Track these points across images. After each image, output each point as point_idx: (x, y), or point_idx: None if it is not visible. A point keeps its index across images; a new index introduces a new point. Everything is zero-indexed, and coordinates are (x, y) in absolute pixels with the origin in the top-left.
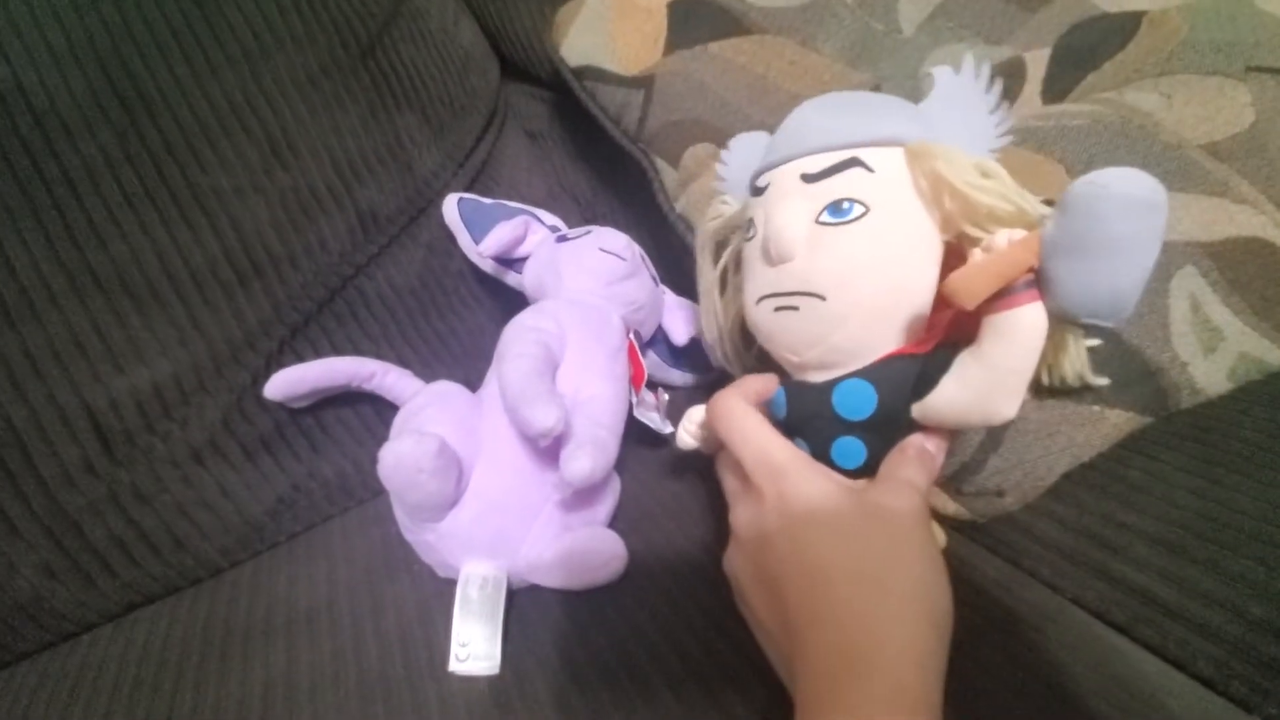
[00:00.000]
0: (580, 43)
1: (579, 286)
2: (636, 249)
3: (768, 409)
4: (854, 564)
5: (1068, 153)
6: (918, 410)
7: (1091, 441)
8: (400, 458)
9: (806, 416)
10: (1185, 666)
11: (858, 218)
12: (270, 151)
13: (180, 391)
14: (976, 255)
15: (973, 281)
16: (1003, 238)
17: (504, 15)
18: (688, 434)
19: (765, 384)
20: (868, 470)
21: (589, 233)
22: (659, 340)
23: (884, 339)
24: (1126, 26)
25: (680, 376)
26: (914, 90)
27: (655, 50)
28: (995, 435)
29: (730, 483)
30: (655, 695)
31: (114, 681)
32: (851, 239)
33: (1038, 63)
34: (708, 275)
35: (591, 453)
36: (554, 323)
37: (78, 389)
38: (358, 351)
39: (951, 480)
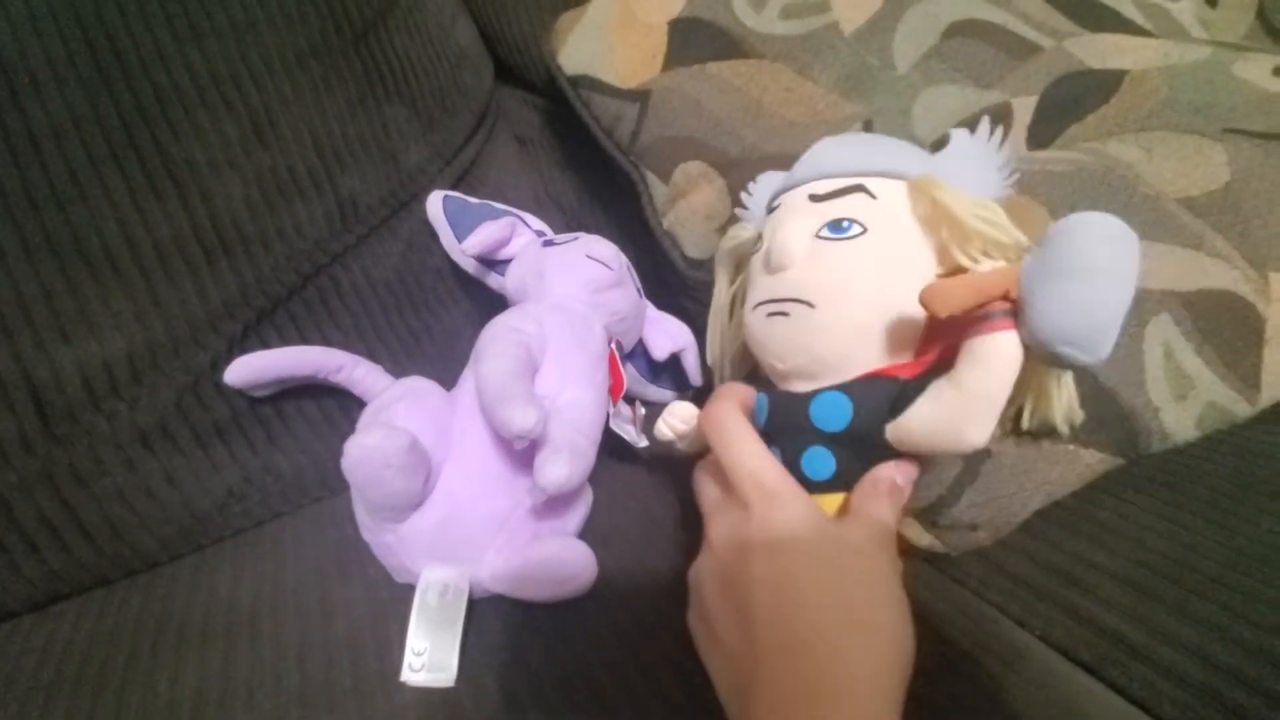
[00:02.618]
0: (578, 51)
1: (563, 292)
2: (624, 259)
3: (753, 412)
4: (830, 594)
5: (1052, 196)
6: (891, 430)
7: (1065, 480)
8: (368, 451)
9: (783, 424)
10: (1150, 709)
11: (855, 236)
12: (250, 128)
13: (131, 369)
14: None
15: (947, 291)
16: (986, 265)
17: (502, 18)
18: (669, 428)
19: (748, 392)
20: (835, 484)
21: (576, 239)
22: (638, 354)
23: (867, 355)
24: (1109, 83)
25: (657, 392)
26: (906, 124)
27: (653, 65)
28: (972, 469)
29: (711, 491)
30: (618, 715)
31: (31, 677)
32: (846, 254)
33: (1024, 109)
34: (722, 294)
35: (569, 459)
36: (536, 325)
37: (19, 357)
38: (326, 342)
39: (926, 512)
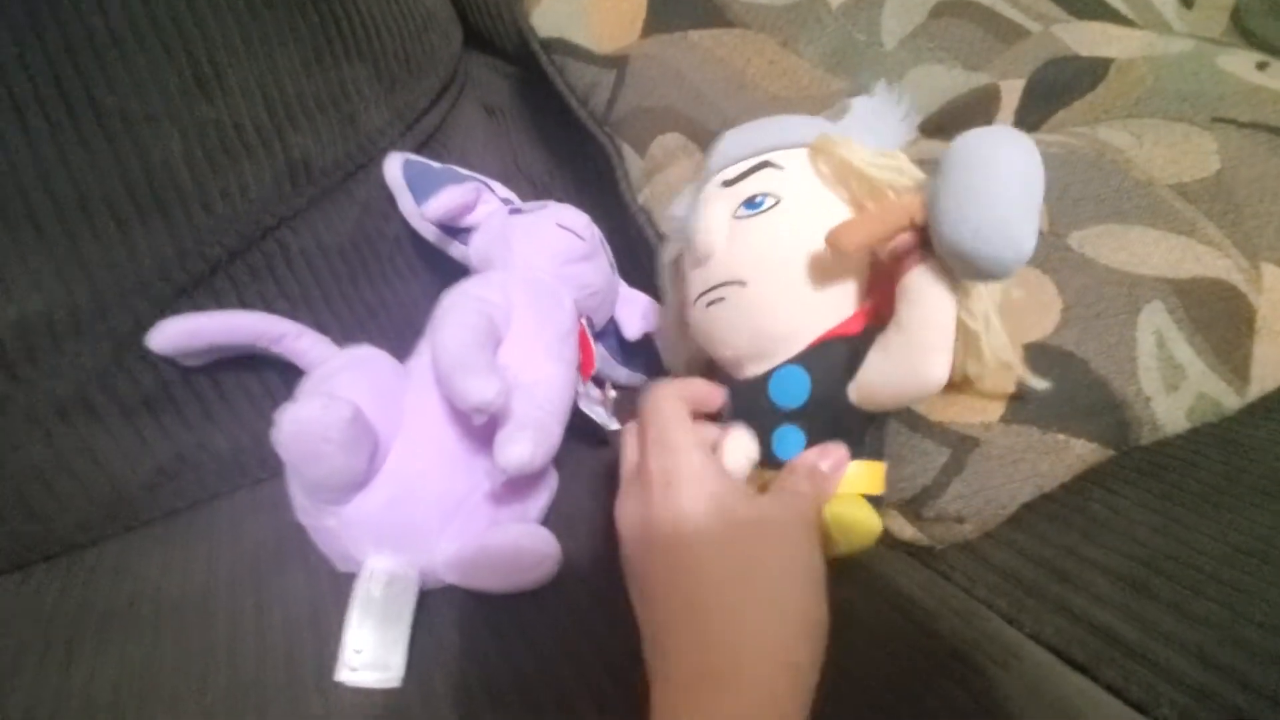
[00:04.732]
0: (553, 13)
1: (531, 263)
2: (596, 230)
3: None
4: (725, 568)
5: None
6: (853, 391)
7: (1055, 471)
8: (303, 423)
9: (748, 411)
10: (1148, 712)
11: (770, 208)
12: (193, 79)
13: (50, 334)
14: None
15: (848, 228)
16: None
17: None
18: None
19: (709, 389)
20: None
21: (545, 207)
22: (609, 334)
23: (810, 321)
24: (1096, 70)
25: (628, 375)
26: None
27: (632, 30)
28: (959, 459)
29: (629, 459)
30: (580, 717)
31: None
32: (766, 226)
33: (1012, 92)
34: (672, 308)
35: (533, 437)
36: (501, 294)
37: None
38: (271, 312)
39: (911, 504)
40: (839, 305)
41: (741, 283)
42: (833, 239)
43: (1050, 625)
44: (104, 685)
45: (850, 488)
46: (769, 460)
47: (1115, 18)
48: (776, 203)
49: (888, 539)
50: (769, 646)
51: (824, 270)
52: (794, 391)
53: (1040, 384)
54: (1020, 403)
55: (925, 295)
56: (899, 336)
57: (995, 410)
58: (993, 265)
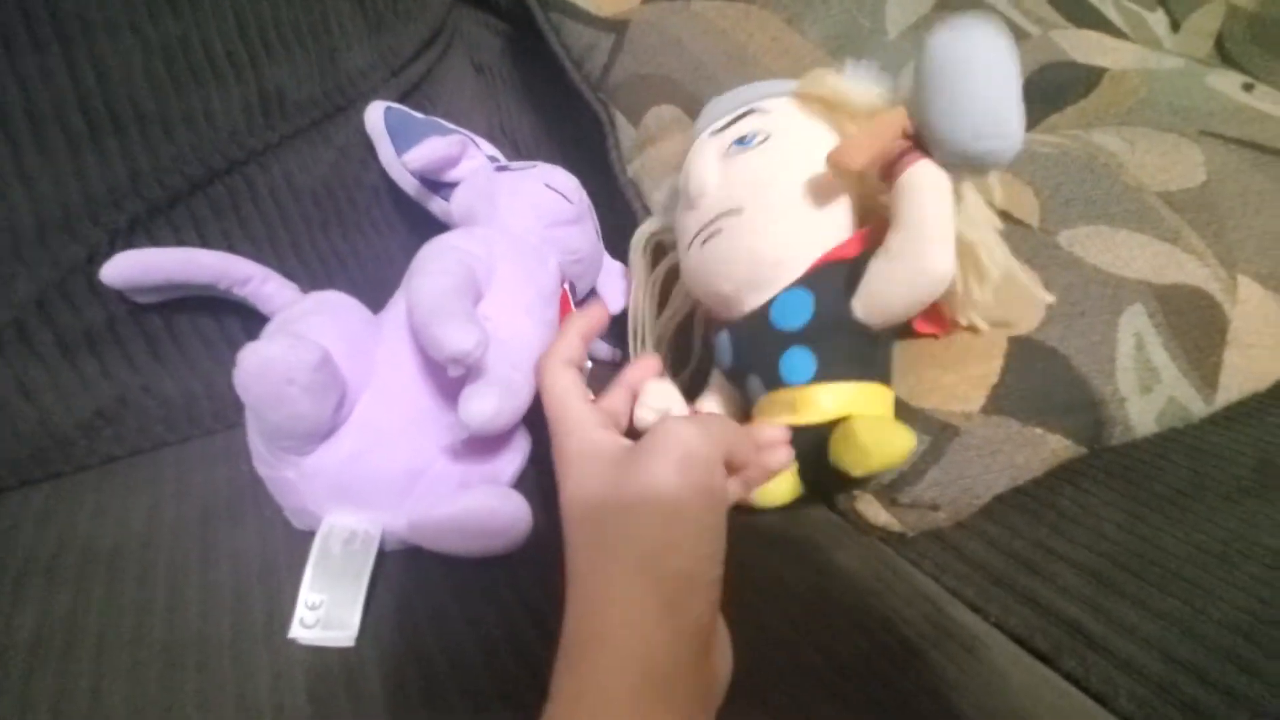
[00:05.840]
0: None
1: (516, 222)
2: (584, 195)
3: (716, 358)
4: (595, 542)
5: (1036, 176)
6: (859, 305)
7: (1030, 464)
8: (267, 362)
9: (751, 345)
10: (1107, 702)
11: (761, 142)
12: None
13: None
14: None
15: (849, 145)
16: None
17: None
18: (645, 417)
19: (588, 322)
20: (822, 378)
21: (534, 167)
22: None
23: (808, 245)
24: (1090, 77)
25: (609, 350)
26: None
27: None
28: (938, 447)
29: None
30: (546, 685)
31: None
32: (757, 157)
33: None
34: (640, 289)
35: (499, 394)
36: (484, 248)
37: None
38: (234, 252)
39: (886, 490)
40: (834, 228)
41: (737, 211)
42: (836, 157)
43: (1016, 615)
44: (23, 633)
45: (869, 408)
46: (779, 384)
47: (1111, 30)
48: (767, 137)
49: (861, 524)
50: (623, 610)
51: (818, 194)
52: (797, 311)
53: (1049, 298)
54: (1001, 393)
55: (923, 189)
56: (899, 234)
57: (976, 399)
58: (991, 158)
